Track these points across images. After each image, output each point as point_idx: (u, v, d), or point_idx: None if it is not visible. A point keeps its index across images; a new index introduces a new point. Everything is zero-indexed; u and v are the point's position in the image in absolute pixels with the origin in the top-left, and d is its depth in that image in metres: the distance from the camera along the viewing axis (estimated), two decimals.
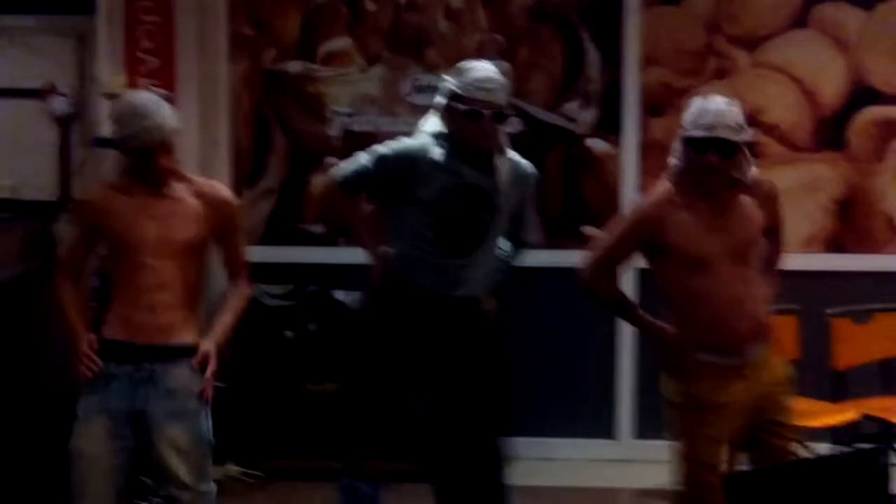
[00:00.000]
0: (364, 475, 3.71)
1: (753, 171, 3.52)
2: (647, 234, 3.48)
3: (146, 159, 3.28)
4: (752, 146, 3.52)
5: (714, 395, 3.44)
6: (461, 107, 3.49)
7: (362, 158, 3.65)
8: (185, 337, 3.42)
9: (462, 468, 3.68)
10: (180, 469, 3.35)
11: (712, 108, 3.38)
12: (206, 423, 3.43)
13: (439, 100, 3.60)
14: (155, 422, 3.34)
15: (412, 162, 3.56)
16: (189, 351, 3.41)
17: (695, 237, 3.41)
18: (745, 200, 3.49)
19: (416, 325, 3.60)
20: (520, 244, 3.82)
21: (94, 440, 3.33)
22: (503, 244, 3.73)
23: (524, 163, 3.71)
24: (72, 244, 3.55)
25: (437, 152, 3.56)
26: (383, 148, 3.63)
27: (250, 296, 3.66)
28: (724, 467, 3.54)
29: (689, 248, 3.42)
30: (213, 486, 3.48)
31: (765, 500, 2.82)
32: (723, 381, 3.44)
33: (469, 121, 3.48)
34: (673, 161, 3.51)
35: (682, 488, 3.53)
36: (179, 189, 3.40)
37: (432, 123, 3.66)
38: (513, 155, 3.67)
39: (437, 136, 3.60)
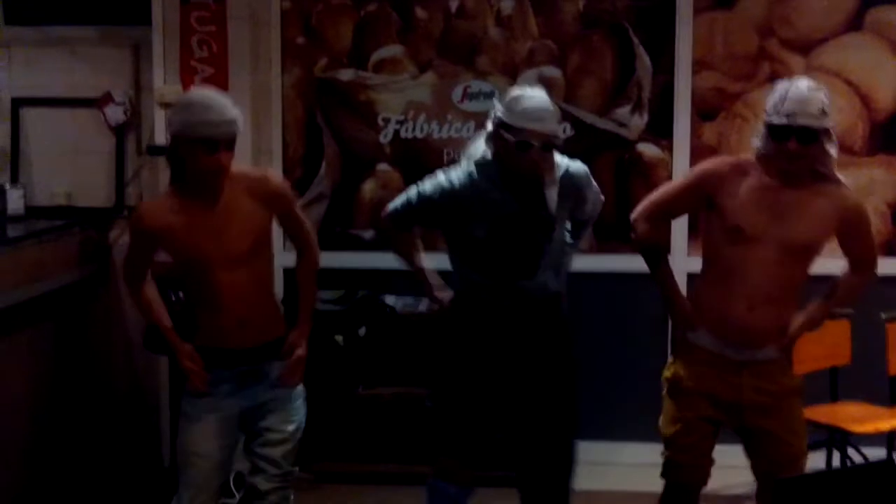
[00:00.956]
0: (452, 477, 3.71)
1: (845, 189, 3.48)
2: (707, 188, 3.49)
3: (211, 152, 3.25)
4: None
5: (696, 382, 3.50)
6: (510, 137, 3.43)
7: (410, 193, 3.67)
8: (278, 330, 3.51)
9: (538, 468, 3.70)
10: (276, 451, 3.47)
11: (794, 94, 3.34)
12: (304, 407, 3.56)
13: (488, 126, 3.56)
14: (262, 412, 3.45)
15: (458, 201, 3.55)
16: (282, 342, 3.52)
17: (746, 206, 3.41)
18: (823, 202, 3.43)
19: (488, 333, 3.61)
20: (580, 226, 3.79)
21: (205, 438, 3.42)
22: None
23: (573, 167, 3.63)
24: (129, 254, 3.53)
25: (483, 186, 3.53)
26: (429, 186, 3.61)
27: (318, 262, 3.69)
28: (704, 451, 3.58)
29: (736, 214, 3.41)
30: (296, 469, 3.61)
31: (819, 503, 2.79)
32: (711, 371, 3.48)
33: (519, 152, 3.44)
34: (756, 143, 3.49)
35: (663, 468, 3.65)
36: (231, 191, 3.38)
37: (478, 148, 3.63)
38: (561, 162, 3.61)
39: (483, 164, 3.57)
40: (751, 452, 3.56)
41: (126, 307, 5.11)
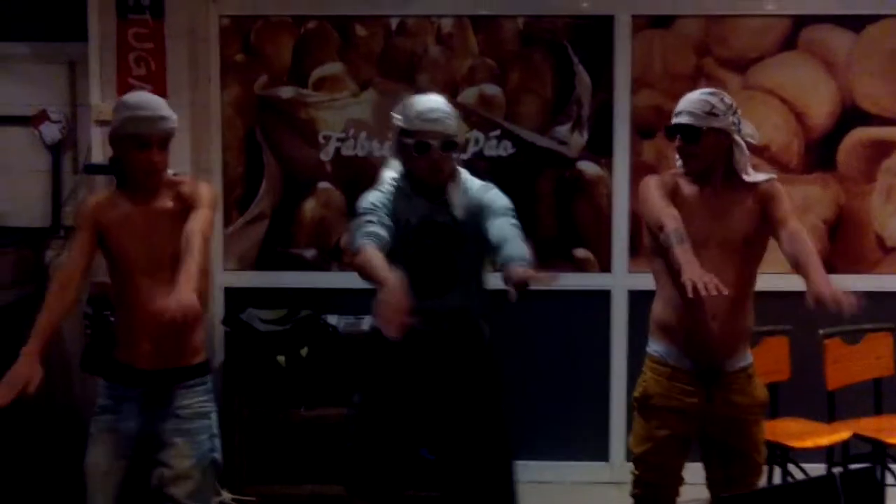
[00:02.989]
0: None
1: (756, 174, 3.52)
2: (667, 193, 3.49)
3: (143, 149, 3.26)
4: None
5: (666, 399, 3.51)
6: (409, 141, 3.41)
7: (360, 218, 3.41)
8: (192, 357, 3.42)
9: (469, 494, 3.60)
10: (179, 490, 3.35)
11: (686, 97, 3.52)
12: (212, 443, 3.43)
13: (390, 139, 3.53)
14: (161, 441, 3.35)
15: (392, 207, 3.44)
16: (195, 371, 3.41)
17: (686, 215, 3.40)
18: (747, 196, 3.49)
19: (402, 364, 3.51)
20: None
21: (101, 457, 3.35)
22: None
23: (472, 182, 3.54)
24: (72, 251, 3.38)
25: (394, 197, 3.46)
26: (369, 199, 3.45)
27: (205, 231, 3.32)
28: (675, 469, 3.57)
29: (683, 224, 3.40)
30: None
31: None
32: (680, 388, 3.50)
33: (418, 154, 3.41)
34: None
35: (633, 486, 3.62)
36: (165, 196, 3.36)
37: (392, 167, 3.58)
38: (466, 178, 3.54)
39: (396, 179, 3.51)
40: (710, 464, 3.58)
41: (63, 329, 5.03)
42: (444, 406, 3.53)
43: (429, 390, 3.52)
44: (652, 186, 3.53)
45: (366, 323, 5.06)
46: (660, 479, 3.56)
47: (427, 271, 3.45)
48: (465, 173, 3.55)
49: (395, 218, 3.41)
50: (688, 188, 3.52)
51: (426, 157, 3.40)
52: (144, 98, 3.38)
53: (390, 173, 3.56)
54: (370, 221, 3.35)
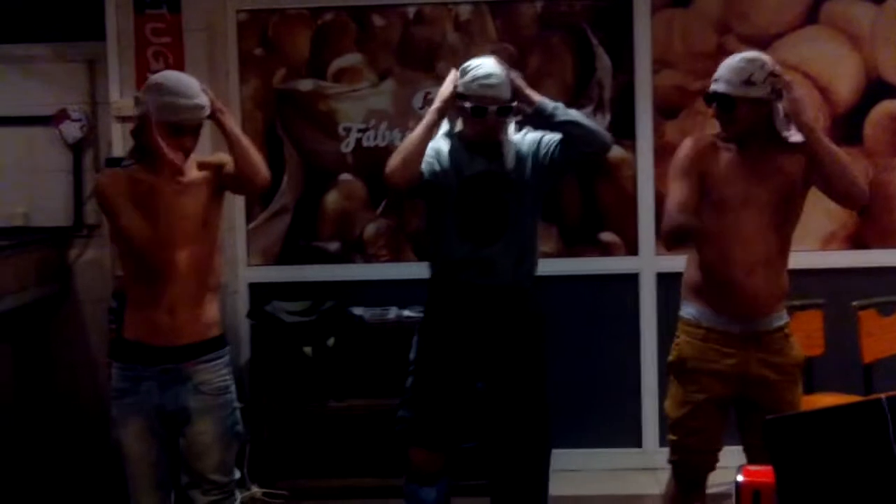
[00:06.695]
0: (425, 477, 3.71)
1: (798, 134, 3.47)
2: (699, 166, 3.48)
3: (176, 136, 3.26)
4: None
5: (701, 361, 3.47)
6: (467, 105, 3.58)
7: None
8: (208, 331, 3.40)
9: (508, 473, 3.71)
10: (204, 464, 3.38)
11: (725, 63, 3.47)
12: (234, 416, 3.44)
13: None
14: (183, 419, 3.35)
15: (443, 156, 3.66)
16: (213, 344, 3.39)
17: (728, 176, 3.42)
18: (789, 157, 3.44)
19: (461, 317, 3.65)
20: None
21: (135, 439, 3.35)
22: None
23: (517, 134, 3.75)
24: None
25: (447, 151, 3.66)
26: None
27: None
28: (714, 433, 3.54)
29: (721, 185, 3.43)
30: (234, 476, 3.53)
31: (807, 443, 2.77)
32: (716, 349, 3.46)
33: (475, 118, 3.57)
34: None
35: (671, 452, 3.60)
36: (189, 168, 3.37)
37: (442, 128, 3.75)
38: (517, 137, 3.72)
39: (446, 136, 3.71)
40: (745, 426, 3.54)
41: (88, 326, 5.04)
42: (493, 357, 3.66)
43: (481, 339, 3.65)
44: (681, 160, 3.52)
45: (391, 313, 5.05)
46: (699, 443, 3.52)
47: (482, 219, 3.62)
48: (511, 126, 3.71)
49: (451, 168, 3.62)
50: (727, 150, 3.48)
51: (482, 120, 3.58)
52: (180, 82, 3.34)
53: (441, 131, 3.74)
54: None
